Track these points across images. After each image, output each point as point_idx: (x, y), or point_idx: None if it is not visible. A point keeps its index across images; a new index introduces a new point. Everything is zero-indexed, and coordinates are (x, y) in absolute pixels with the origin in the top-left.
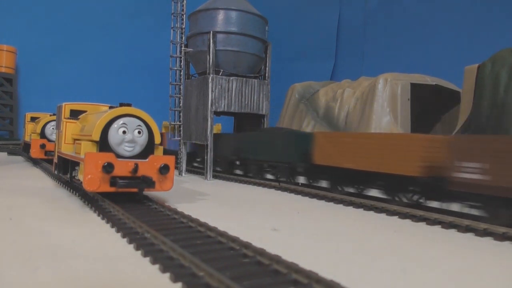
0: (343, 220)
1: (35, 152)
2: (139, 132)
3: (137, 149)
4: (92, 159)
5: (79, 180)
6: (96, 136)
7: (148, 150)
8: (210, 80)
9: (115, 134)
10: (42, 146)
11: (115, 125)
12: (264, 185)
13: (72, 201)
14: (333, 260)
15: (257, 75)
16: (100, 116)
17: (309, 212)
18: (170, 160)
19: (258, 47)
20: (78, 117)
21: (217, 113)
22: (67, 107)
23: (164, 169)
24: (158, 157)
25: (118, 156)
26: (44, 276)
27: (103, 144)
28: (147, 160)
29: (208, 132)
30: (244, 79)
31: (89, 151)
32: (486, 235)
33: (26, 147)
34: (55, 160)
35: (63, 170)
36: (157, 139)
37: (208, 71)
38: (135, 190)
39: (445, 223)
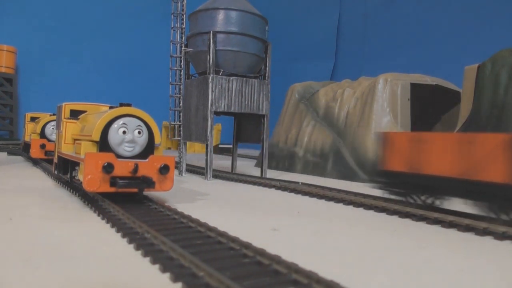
0: (343, 219)
1: (35, 152)
2: (139, 132)
3: (137, 149)
4: (92, 159)
5: (79, 180)
6: (96, 136)
7: (148, 150)
8: (210, 80)
9: (115, 134)
10: (42, 146)
11: (115, 125)
12: (264, 185)
13: (72, 201)
14: (333, 260)
15: (257, 75)
16: (100, 116)
17: (309, 211)
18: (170, 160)
19: (258, 47)
20: (78, 117)
21: (217, 113)
22: (67, 107)
23: (164, 169)
24: (158, 157)
25: (118, 156)
26: (44, 276)
27: (103, 144)
28: (147, 160)
29: (208, 132)
30: (244, 79)
31: (89, 151)
32: (486, 234)
33: (26, 147)
34: (55, 160)
35: (63, 170)
36: (157, 139)
37: (208, 71)
38: (135, 190)
39: (445, 222)
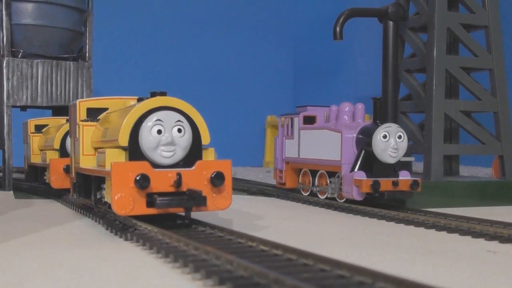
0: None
1: (57, 180)
2: (179, 130)
3: (179, 154)
4: (120, 171)
5: (106, 203)
6: (124, 141)
7: (193, 154)
8: (5, 64)
9: (147, 136)
10: (67, 170)
11: (147, 123)
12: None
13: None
14: None
15: (75, 56)
16: (126, 112)
17: None
18: (224, 166)
19: (73, 19)
20: (98, 117)
21: (22, 108)
22: (82, 105)
23: (217, 179)
24: (208, 163)
25: (155, 165)
26: None
27: (134, 151)
28: (193, 168)
29: (5, 134)
30: (55, 61)
31: (115, 160)
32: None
33: (33, 173)
34: (72, 178)
35: (84, 192)
36: (205, 138)
37: (1, 53)
38: (180, 210)
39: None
